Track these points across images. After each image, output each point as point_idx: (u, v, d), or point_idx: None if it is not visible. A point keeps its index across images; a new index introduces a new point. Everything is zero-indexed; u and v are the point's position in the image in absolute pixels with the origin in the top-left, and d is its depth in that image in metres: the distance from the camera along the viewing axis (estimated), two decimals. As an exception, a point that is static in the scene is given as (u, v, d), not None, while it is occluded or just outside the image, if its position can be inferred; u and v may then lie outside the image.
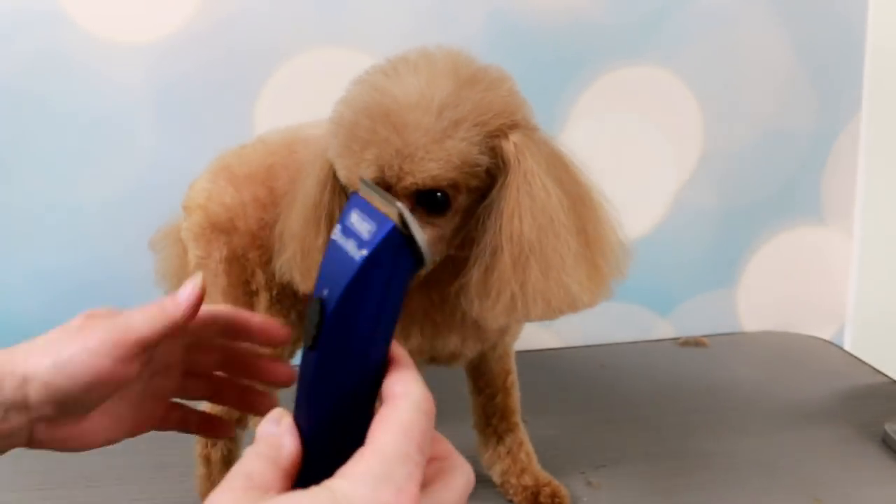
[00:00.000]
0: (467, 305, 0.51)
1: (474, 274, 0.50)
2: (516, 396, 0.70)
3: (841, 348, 1.10)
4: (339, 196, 0.53)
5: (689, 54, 1.03)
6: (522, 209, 0.48)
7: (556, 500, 0.67)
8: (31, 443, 0.44)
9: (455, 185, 0.48)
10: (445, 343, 0.60)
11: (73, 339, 0.43)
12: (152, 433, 0.81)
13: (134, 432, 0.49)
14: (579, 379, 0.97)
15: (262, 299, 0.64)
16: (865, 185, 1.12)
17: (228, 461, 0.66)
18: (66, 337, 0.43)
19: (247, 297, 0.64)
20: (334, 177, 0.53)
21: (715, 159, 1.07)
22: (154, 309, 0.44)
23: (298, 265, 0.56)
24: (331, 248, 0.33)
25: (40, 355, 0.42)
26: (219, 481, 0.68)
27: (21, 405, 0.42)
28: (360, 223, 0.32)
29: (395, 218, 0.32)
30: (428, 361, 0.63)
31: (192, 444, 0.67)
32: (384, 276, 0.32)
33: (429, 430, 0.32)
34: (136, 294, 0.90)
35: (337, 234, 0.33)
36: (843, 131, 1.10)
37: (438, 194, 0.48)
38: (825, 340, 1.12)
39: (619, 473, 0.74)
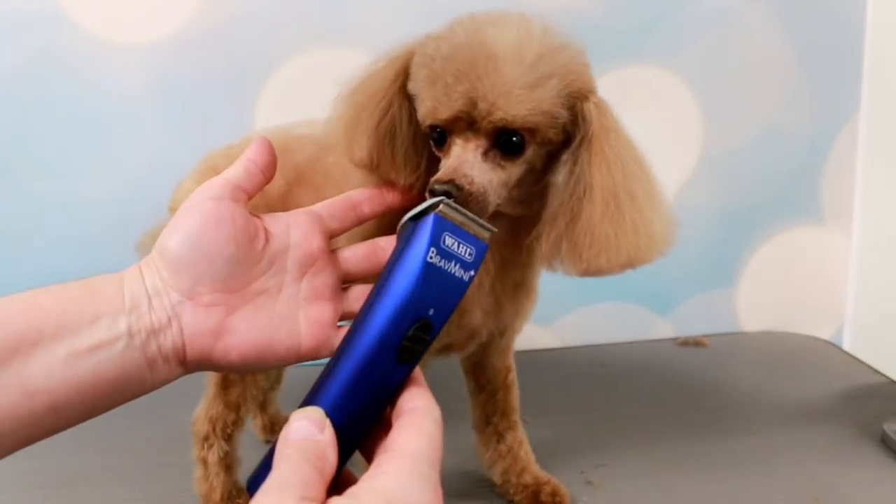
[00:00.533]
0: (549, 256, 0.53)
1: (558, 224, 0.52)
2: (516, 394, 0.71)
3: (840, 348, 1.10)
4: (402, 107, 0.54)
5: (689, 54, 1.03)
6: (609, 161, 0.51)
7: (557, 498, 0.68)
8: (182, 359, 0.42)
9: (533, 132, 0.50)
10: (470, 319, 0.61)
11: (202, 210, 0.43)
12: (152, 433, 0.82)
13: (276, 351, 0.44)
14: (579, 379, 0.97)
15: None
16: (864, 186, 1.12)
17: (226, 462, 0.66)
18: (200, 208, 0.43)
19: None
20: (404, 93, 0.53)
21: (714, 159, 1.07)
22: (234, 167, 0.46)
23: (345, 128, 0.55)
24: (427, 269, 0.34)
25: (176, 231, 0.42)
26: (216, 482, 0.68)
27: (160, 290, 0.41)
28: (459, 246, 0.35)
29: (487, 240, 0.35)
30: (440, 351, 0.63)
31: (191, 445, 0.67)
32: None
33: (440, 446, 0.34)
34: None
35: (433, 256, 0.35)
36: (842, 131, 1.10)
37: (515, 137, 0.50)
38: (824, 340, 1.12)
39: (619, 473, 0.74)
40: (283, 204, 0.62)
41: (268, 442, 0.81)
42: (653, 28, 1.02)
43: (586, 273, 0.52)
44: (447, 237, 0.35)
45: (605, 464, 0.75)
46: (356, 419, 0.35)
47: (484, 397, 0.70)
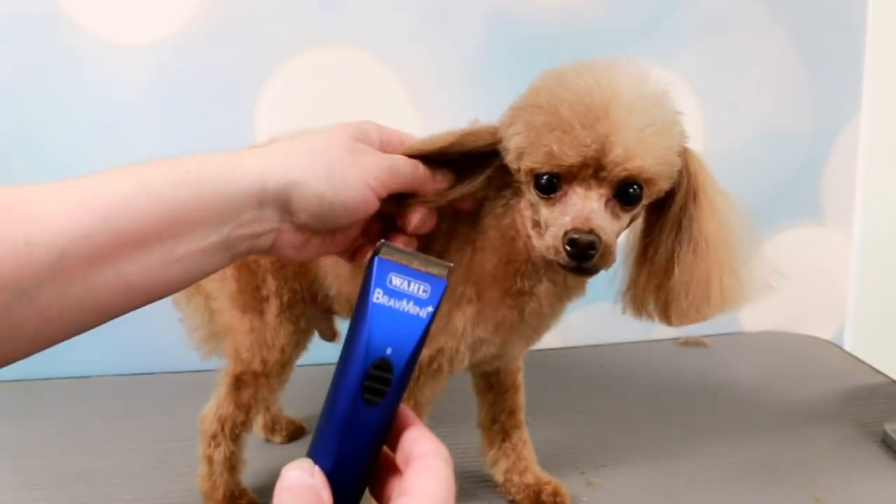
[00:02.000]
0: (645, 305, 0.55)
1: (657, 274, 0.53)
2: (523, 393, 0.71)
3: (841, 348, 1.10)
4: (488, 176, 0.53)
5: (689, 54, 1.03)
6: (715, 213, 0.53)
7: (558, 498, 0.68)
8: (270, 249, 0.47)
9: (652, 182, 0.50)
10: (510, 349, 0.62)
11: (349, 163, 0.47)
12: (152, 433, 0.82)
13: (332, 252, 0.52)
14: (579, 379, 0.97)
15: (273, 305, 0.64)
16: (865, 186, 1.12)
17: (231, 462, 0.66)
18: (340, 157, 0.47)
19: (256, 303, 0.64)
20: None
21: (715, 159, 1.06)
22: (412, 162, 0.50)
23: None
24: (375, 310, 0.35)
25: (315, 167, 0.45)
26: (219, 481, 0.69)
27: (281, 205, 0.45)
28: (410, 285, 0.36)
29: (445, 275, 0.36)
30: (468, 368, 0.63)
31: (192, 444, 0.67)
32: (430, 327, 0.36)
33: (453, 486, 0.35)
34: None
35: (379, 296, 0.35)
36: (842, 131, 1.10)
37: (634, 188, 0.50)
38: (825, 340, 1.12)
39: (619, 473, 0.74)
40: None
41: (268, 441, 0.81)
42: (653, 28, 1.02)
43: (685, 323, 0.54)
44: (394, 277, 0.36)
45: (606, 464, 0.75)
46: (346, 461, 0.37)
47: (492, 396, 0.70)
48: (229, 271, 0.63)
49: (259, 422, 0.81)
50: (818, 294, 1.15)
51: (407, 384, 0.36)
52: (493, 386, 0.70)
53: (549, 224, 0.50)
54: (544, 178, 0.50)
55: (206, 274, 0.45)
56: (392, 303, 0.35)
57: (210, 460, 0.66)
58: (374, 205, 0.48)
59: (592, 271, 0.50)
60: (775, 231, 1.12)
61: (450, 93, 1.00)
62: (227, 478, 0.66)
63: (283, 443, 0.81)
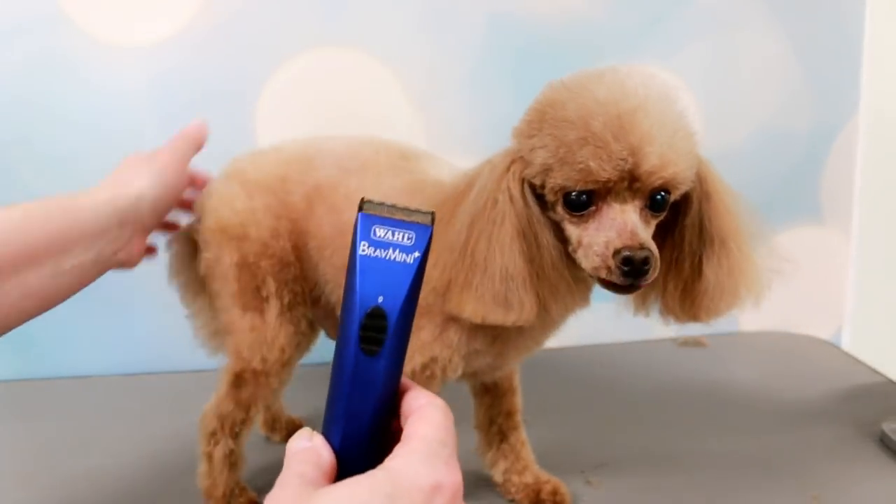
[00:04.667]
0: (668, 306, 0.55)
1: (680, 275, 0.54)
2: (520, 395, 0.71)
3: (839, 348, 1.11)
4: (532, 208, 0.52)
5: (688, 54, 1.03)
6: (730, 213, 0.53)
7: (557, 497, 0.68)
8: (113, 263, 0.59)
9: (679, 188, 0.50)
10: (505, 360, 0.62)
11: (156, 160, 0.62)
12: (152, 433, 0.82)
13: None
14: (579, 379, 0.97)
15: (273, 306, 0.64)
16: (863, 186, 1.12)
17: (230, 460, 0.67)
18: (147, 161, 0.62)
19: (257, 303, 0.64)
20: (523, 192, 0.51)
21: (714, 159, 1.05)
22: (181, 140, 0.64)
23: (499, 294, 0.51)
24: (362, 262, 0.36)
25: (141, 178, 0.60)
26: (219, 479, 0.69)
27: (135, 219, 0.59)
28: (395, 234, 0.36)
29: (429, 222, 0.37)
30: (468, 376, 0.64)
31: (192, 443, 0.68)
32: (423, 273, 0.37)
33: (453, 428, 0.37)
34: (139, 293, 0.91)
35: (365, 248, 0.36)
36: (841, 132, 1.10)
37: (663, 194, 0.50)
38: (823, 340, 1.12)
39: (619, 473, 0.74)
40: (306, 221, 0.62)
41: (268, 439, 0.81)
42: (653, 28, 1.02)
43: (714, 318, 0.55)
44: (377, 229, 0.37)
45: (605, 464, 0.75)
46: (356, 422, 0.37)
47: (489, 399, 0.70)
48: (231, 271, 0.63)
49: (259, 419, 0.81)
50: (816, 294, 1.16)
51: (408, 333, 0.37)
52: (490, 389, 0.70)
53: (586, 243, 0.49)
54: (575, 195, 0.49)
55: (89, 283, 0.58)
56: (378, 253, 0.36)
57: (210, 458, 0.66)
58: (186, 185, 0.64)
59: (640, 287, 0.49)
60: (774, 231, 1.12)
61: (450, 93, 1.00)
62: (227, 475, 0.67)
63: (282, 441, 0.81)
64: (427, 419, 0.36)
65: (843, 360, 1.04)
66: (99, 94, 0.93)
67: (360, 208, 0.37)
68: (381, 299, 0.36)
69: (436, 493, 0.33)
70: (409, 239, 0.36)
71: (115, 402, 0.92)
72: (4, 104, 0.92)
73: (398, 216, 0.37)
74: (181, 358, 0.91)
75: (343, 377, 0.36)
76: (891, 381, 0.94)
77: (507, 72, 0.99)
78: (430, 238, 0.37)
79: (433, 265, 0.52)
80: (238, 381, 0.65)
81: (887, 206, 1.10)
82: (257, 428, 0.81)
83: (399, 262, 0.36)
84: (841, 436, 0.81)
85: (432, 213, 0.37)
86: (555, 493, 0.68)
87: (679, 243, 0.54)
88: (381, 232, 0.36)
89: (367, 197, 0.37)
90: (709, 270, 0.53)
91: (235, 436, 0.66)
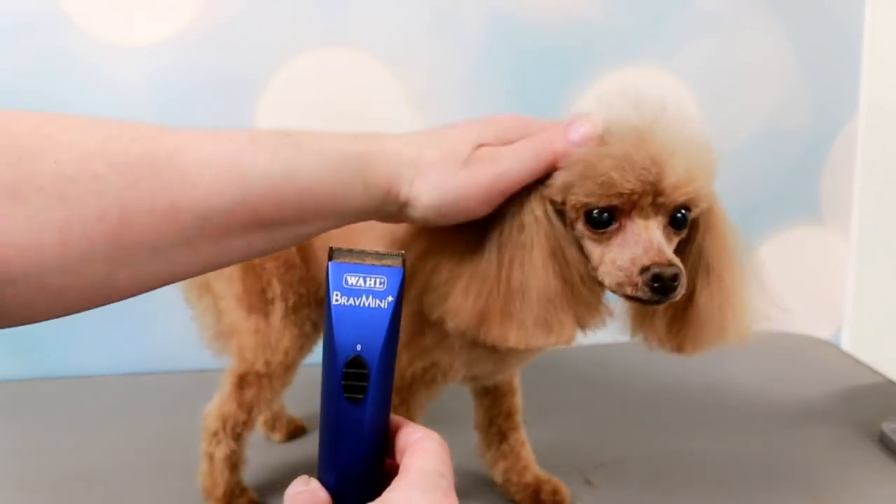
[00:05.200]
0: (658, 335, 0.55)
1: (700, 306, 0.53)
2: (519, 396, 0.71)
3: (838, 348, 1.11)
4: (557, 226, 0.51)
5: (688, 55, 1.03)
6: (727, 242, 0.53)
7: (557, 497, 0.68)
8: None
9: (698, 205, 0.50)
10: (506, 367, 0.62)
11: (463, 174, 0.47)
12: (152, 433, 0.82)
13: None
14: (579, 379, 0.97)
15: (278, 308, 0.64)
16: (863, 186, 1.12)
17: (231, 461, 0.67)
18: (456, 169, 0.47)
19: (262, 305, 0.64)
20: (547, 211, 0.51)
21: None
22: (538, 145, 0.48)
23: (540, 318, 0.50)
24: (337, 311, 0.36)
25: (429, 188, 0.47)
26: (220, 479, 0.69)
27: (396, 217, 0.49)
28: (366, 280, 0.37)
29: (400, 264, 0.37)
30: (468, 380, 0.64)
31: (193, 443, 0.68)
32: (399, 315, 0.37)
33: (450, 460, 0.37)
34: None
35: (338, 298, 0.37)
36: (841, 132, 1.10)
37: (683, 212, 0.49)
38: (823, 340, 1.12)
39: (619, 473, 0.74)
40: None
41: (268, 438, 0.81)
42: (652, 29, 1.02)
43: (689, 352, 0.55)
44: (349, 277, 0.37)
45: (605, 464, 0.75)
46: (348, 468, 0.38)
47: (488, 400, 0.70)
48: (235, 272, 0.64)
49: (261, 419, 0.81)
50: (816, 294, 1.16)
51: (391, 376, 0.37)
52: (490, 390, 0.70)
53: (608, 260, 0.49)
54: (597, 212, 0.48)
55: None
56: (352, 301, 0.36)
57: (211, 458, 0.66)
58: (478, 214, 0.49)
59: (664, 303, 0.49)
60: (773, 231, 1.12)
61: (450, 93, 1.00)
62: (228, 476, 0.67)
63: (282, 441, 0.81)
64: (424, 451, 0.36)
65: (843, 360, 1.04)
66: (99, 93, 0.93)
67: (330, 257, 0.37)
68: (359, 347, 0.36)
69: None
70: (381, 284, 0.37)
71: (115, 402, 0.92)
72: (4, 103, 0.92)
73: (368, 261, 0.37)
74: (182, 358, 0.92)
75: (330, 426, 0.37)
76: (891, 381, 0.94)
77: (508, 72, 0.99)
78: (403, 280, 0.37)
79: (465, 296, 0.52)
80: (242, 382, 0.65)
81: (887, 206, 1.11)
82: (258, 428, 0.81)
83: (374, 308, 0.36)
84: (841, 436, 0.81)
85: (402, 255, 0.37)
86: (555, 493, 0.68)
87: None
88: (352, 279, 0.37)
89: (336, 245, 0.38)
90: (701, 301, 0.53)
91: (237, 437, 0.66)
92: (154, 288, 0.42)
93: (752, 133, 1.08)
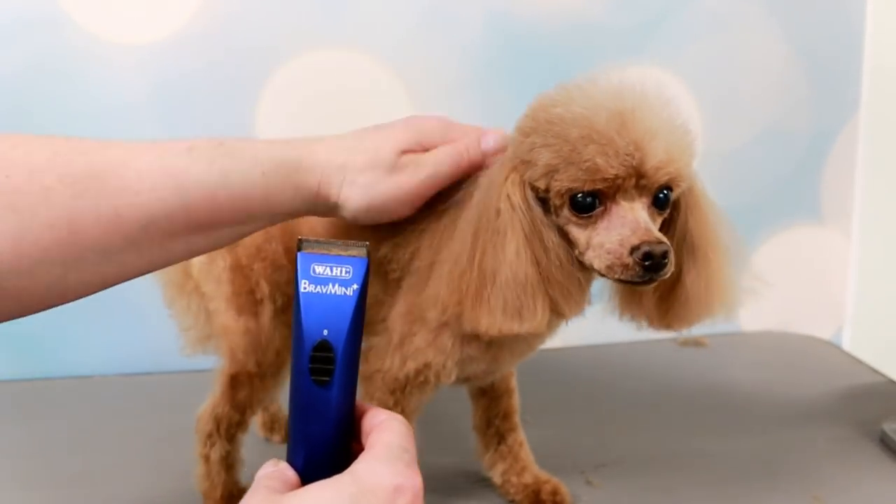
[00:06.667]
0: (649, 312, 0.55)
1: (686, 283, 0.53)
2: (517, 397, 0.71)
3: (839, 348, 1.10)
4: (535, 211, 0.51)
5: (688, 55, 1.03)
6: (709, 220, 0.53)
7: (557, 497, 0.68)
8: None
9: (680, 185, 0.50)
10: (500, 365, 0.62)
11: (388, 181, 0.51)
12: (152, 433, 0.82)
13: None
14: (579, 379, 0.97)
15: (267, 309, 0.64)
16: (864, 186, 1.12)
17: (227, 462, 0.67)
18: (382, 175, 0.51)
19: (251, 306, 0.64)
20: (525, 196, 0.51)
21: (713, 159, 1.07)
22: (455, 154, 0.53)
23: (511, 304, 0.51)
24: (305, 298, 0.38)
25: (357, 193, 0.51)
26: (217, 481, 0.69)
27: (328, 216, 0.54)
28: (332, 269, 0.39)
29: (364, 254, 0.39)
30: (462, 381, 0.64)
31: (192, 444, 0.67)
32: (364, 303, 0.39)
33: (413, 438, 0.39)
34: (139, 293, 0.90)
35: (306, 286, 0.39)
36: (841, 132, 1.10)
37: (666, 191, 0.50)
38: (824, 340, 1.12)
39: (619, 473, 0.74)
40: (297, 224, 0.61)
41: (267, 440, 0.81)
42: (653, 28, 1.02)
43: (684, 328, 0.55)
44: (316, 266, 0.39)
45: (605, 464, 0.75)
46: (316, 450, 0.40)
47: (486, 401, 0.70)
48: (224, 274, 0.64)
49: (259, 420, 0.81)
50: (817, 294, 1.16)
51: (356, 361, 0.39)
52: (487, 391, 0.70)
53: (596, 243, 0.49)
54: (582, 196, 0.49)
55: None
56: (319, 289, 0.39)
57: (207, 460, 0.66)
58: (402, 215, 0.54)
59: (656, 281, 0.49)
60: (774, 231, 1.12)
61: (450, 93, 1.00)
62: (225, 477, 0.67)
63: (282, 442, 0.81)
64: (389, 430, 0.38)
65: (843, 360, 1.04)
66: (98, 93, 0.93)
67: (299, 248, 0.39)
68: (326, 332, 0.38)
69: (398, 494, 0.35)
70: (347, 273, 0.39)
71: (115, 402, 0.92)
72: (4, 103, 0.92)
73: (335, 251, 0.39)
74: (181, 358, 0.91)
75: (299, 408, 0.39)
76: (891, 381, 0.94)
77: (507, 71, 0.99)
78: (368, 269, 0.39)
79: (442, 283, 0.52)
80: (234, 383, 0.65)
81: (887, 206, 1.10)
82: (257, 429, 0.81)
83: (340, 296, 0.38)
84: (841, 436, 0.81)
85: (367, 245, 0.40)
86: (554, 493, 0.68)
87: None
88: (320, 269, 0.39)
89: (304, 237, 0.39)
90: (688, 280, 0.53)
91: (231, 438, 0.66)
92: (105, 287, 0.46)
93: (753, 133, 1.08)
